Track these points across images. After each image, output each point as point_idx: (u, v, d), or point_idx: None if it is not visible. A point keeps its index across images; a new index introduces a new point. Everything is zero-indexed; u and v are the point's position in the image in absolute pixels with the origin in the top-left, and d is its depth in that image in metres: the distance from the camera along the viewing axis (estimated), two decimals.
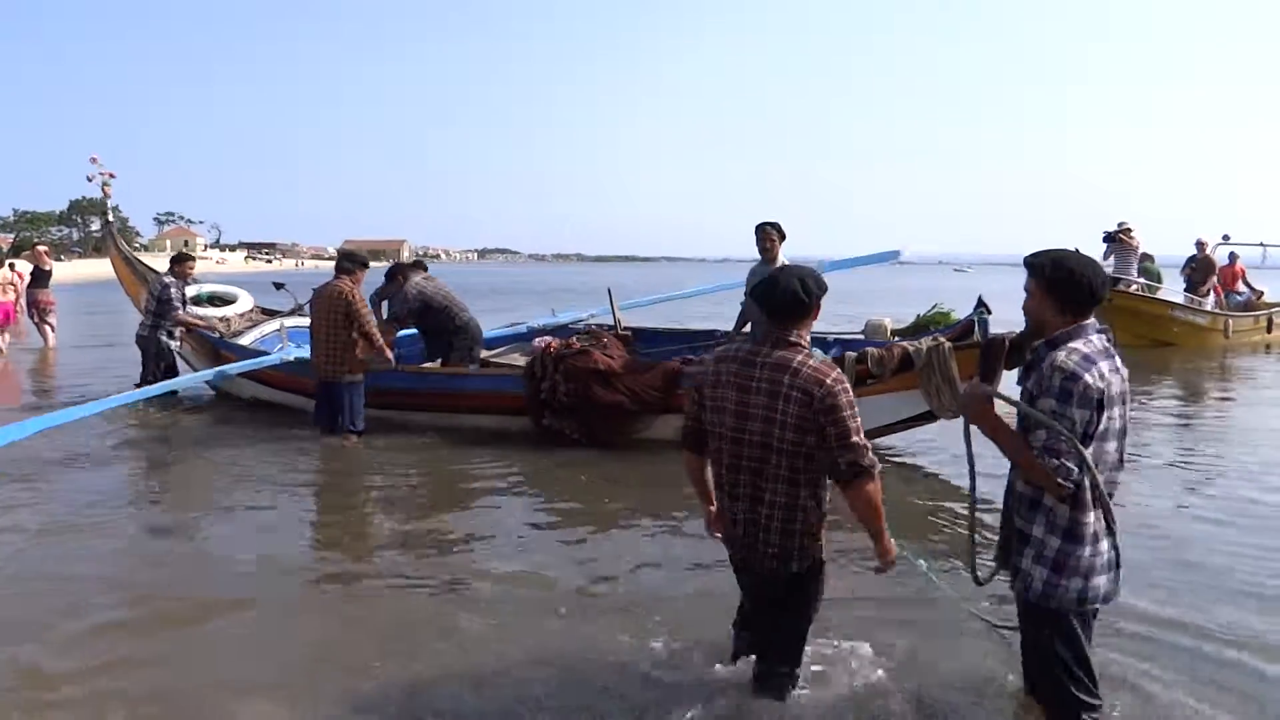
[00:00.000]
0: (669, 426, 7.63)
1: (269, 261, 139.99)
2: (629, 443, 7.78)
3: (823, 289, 3.28)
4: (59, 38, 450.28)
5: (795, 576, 3.31)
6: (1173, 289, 18.13)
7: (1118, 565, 3.13)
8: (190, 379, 9.67)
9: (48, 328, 16.31)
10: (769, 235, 7.60)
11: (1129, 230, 17.54)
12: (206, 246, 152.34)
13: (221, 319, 10.67)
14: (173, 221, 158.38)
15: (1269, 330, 19.20)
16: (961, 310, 7.38)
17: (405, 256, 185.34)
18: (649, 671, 3.85)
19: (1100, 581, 3.07)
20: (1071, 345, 2.98)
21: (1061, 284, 3.00)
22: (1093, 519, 3.03)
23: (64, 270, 32.07)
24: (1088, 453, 2.92)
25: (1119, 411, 2.99)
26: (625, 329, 9.39)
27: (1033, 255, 3.09)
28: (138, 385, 9.69)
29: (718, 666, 3.73)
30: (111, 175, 11.12)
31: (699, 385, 3.44)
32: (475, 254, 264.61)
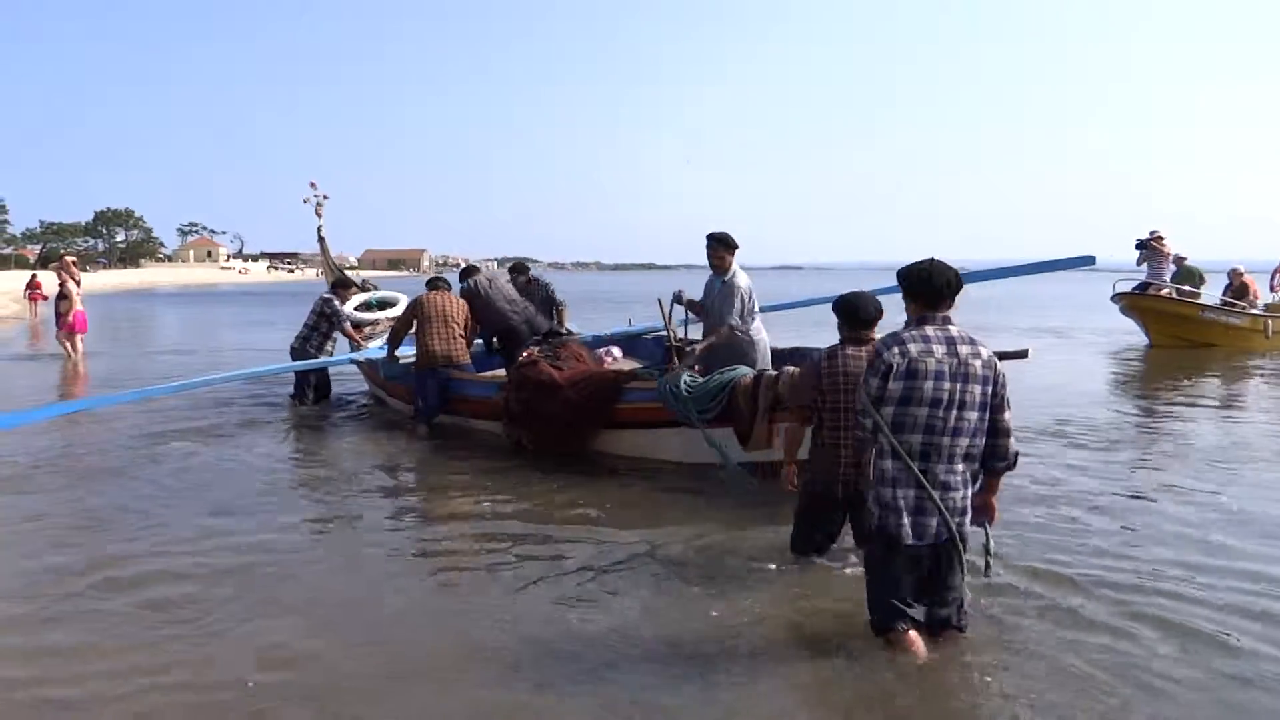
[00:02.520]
0: (616, 441, 7.46)
1: (290, 271, 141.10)
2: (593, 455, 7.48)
3: (882, 311, 4.82)
4: (81, 51, 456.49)
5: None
6: (1210, 293, 18.31)
7: (927, 513, 3.67)
8: (243, 373, 10.44)
9: (76, 338, 16.35)
10: (716, 250, 7.28)
11: (1160, 238, 18.15)
12: (229, 256, 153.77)
13: (373, 323, 11.49)
14: (196, 232, 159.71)
15: None
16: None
17: (425, 265, 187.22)
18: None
19: (898, 521, 3.68)
20: (896, 331, 3.74)
21: (911, 285, 3.77)
22: (889, 465, 3.68)
23: (89, 281, 32.42)
24: (882, 412, 3.65)
25: (931, 385, 3.58)
26: (680, 340, 9.18)
27: (902, 268, 3.86)
28: (292, 395, 10.58)
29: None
30: (325, 197, 12.07)
31: (819, 379, 4.71)
32: (495, 262, 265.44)
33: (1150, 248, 18.07)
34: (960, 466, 3.70)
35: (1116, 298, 18.43)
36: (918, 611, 3.85)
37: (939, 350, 3.63)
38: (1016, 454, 3.79)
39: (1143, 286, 18.27)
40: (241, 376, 10.30)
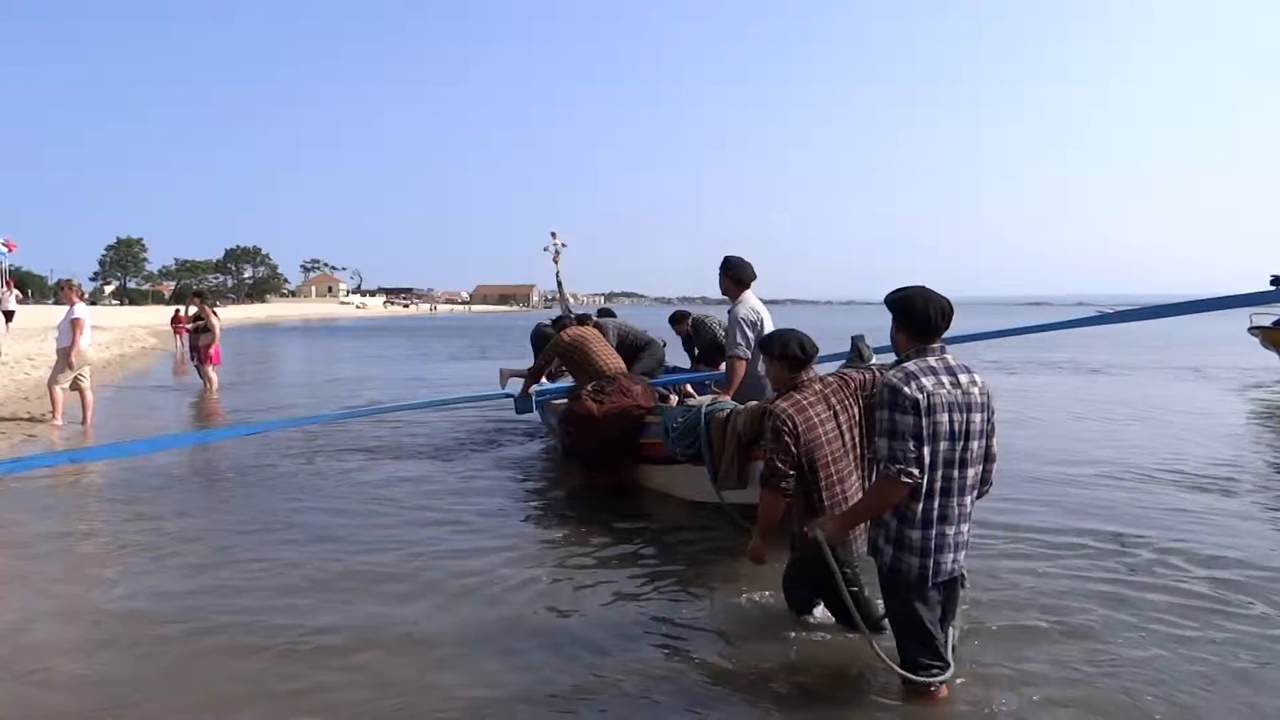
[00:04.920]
0: (646, 475, 7.44)
1: (405, 306, 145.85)
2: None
3: (776, 348, 4.37)
4: (213, 96, 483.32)
5: None
6: None
7: (945, 550, 3.54)
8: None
9: (211, 370, 17.12)
10: (719, 277, 6.94)
11: None
12: (348, 292, 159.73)
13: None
14: (317, 268, 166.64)
15: None
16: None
17: (535, 300, 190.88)
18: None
19: (935, 560, 3.53)
20: (902, 365, 3.55)
21: (906, 317, 3.59)
22: (921, 507, 3.49)
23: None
24: (924, 451, 3.43)
25: (948, 417, 3.44)
26: None
27: (890, 294, 3.68)
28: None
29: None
30: (564, 245, 12.98)
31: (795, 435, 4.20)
32: (602, 297, 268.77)
33: None
34: (968, 500, 3.60)
35: (1255, 330, 17.87)
36: (950, 654, 3.70)
37: (946, 381, 3.51)
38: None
39: None
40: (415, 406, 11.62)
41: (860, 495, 4.12)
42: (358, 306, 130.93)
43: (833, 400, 4.20)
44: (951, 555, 3.57)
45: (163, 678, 4.02)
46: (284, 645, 4.38)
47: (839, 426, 4.18)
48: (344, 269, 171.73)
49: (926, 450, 3.44)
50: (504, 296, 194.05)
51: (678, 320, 10.98)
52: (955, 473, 3.52)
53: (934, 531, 3.52)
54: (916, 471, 3.42)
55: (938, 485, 3.50)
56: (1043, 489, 7.75)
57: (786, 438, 4.04)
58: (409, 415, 11.81)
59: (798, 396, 4.15)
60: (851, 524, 3.81)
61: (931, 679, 3.63)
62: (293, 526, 6.57)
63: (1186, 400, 15.28)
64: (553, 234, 12.84)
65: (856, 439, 4.23)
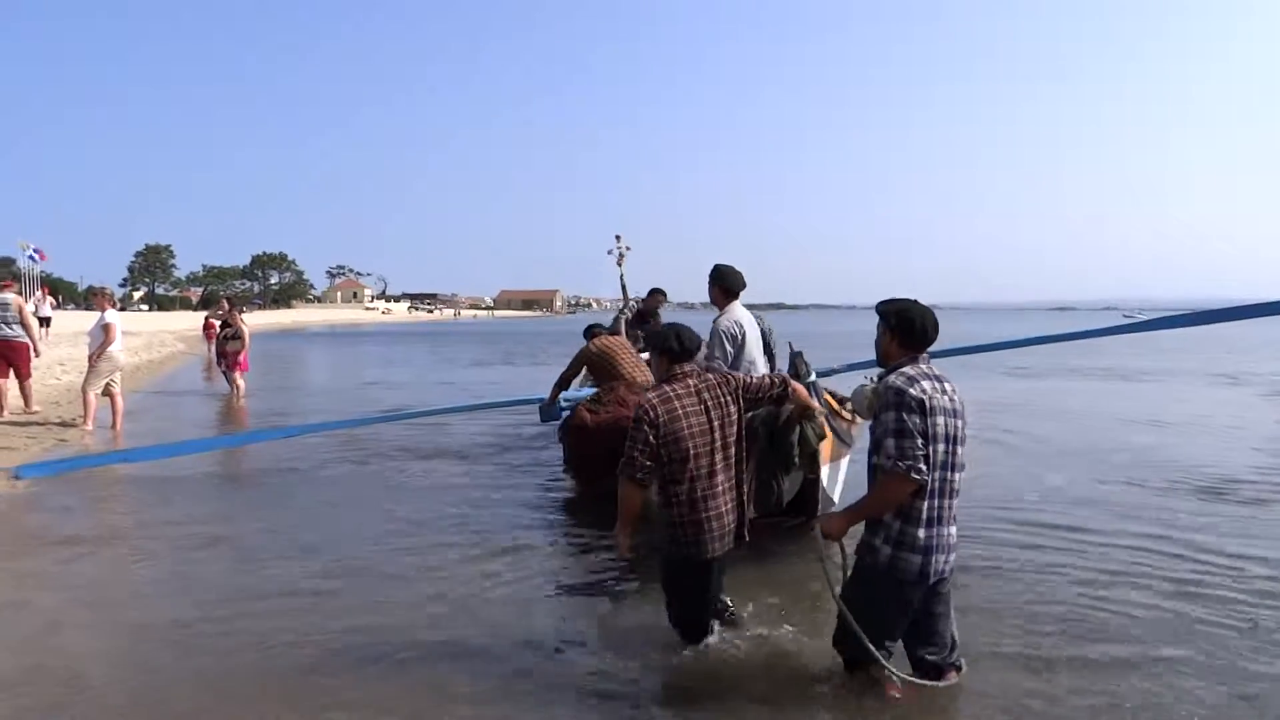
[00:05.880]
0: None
1: (430, 311, 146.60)
2: None
3: (656, 341, 4.41)
4: (240, 103, 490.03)
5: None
6: None
7: (938, 551, 3.63)
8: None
9: (238, 377, 17.26)
10: (709, 286, 6.70)
11: None
12: (374, 297, 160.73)
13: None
14: (343, 274, 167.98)
15: None
16: None
17: (558, 306, 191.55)
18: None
19: (934, 559, 3.63)
20: (900, 370, 3.70)
21: (903, 328, 3.74)
22: (925, 506, 3.59)
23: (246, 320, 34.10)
24: (930, 450, 3.55)
25: (943, 420, 3.59)
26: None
27: (882, 304, 3.86)
28: None
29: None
30: (628, 248, 13.43)
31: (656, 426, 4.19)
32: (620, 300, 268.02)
33: None
34: (955, 502, 3.73)
35: None
36: (896, 651, 3.83)
37: (938, 387, 3.67)
38: None
39: None
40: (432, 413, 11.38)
41: (725, 493, 4.17)
42: (383, 312, 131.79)
43: (705, 396, 4.17)
44: (944, 556, 3.68)
45: (187, 680, 4.05)
46: (304, 647, 4.42)
47: (709, 422, 4.14)
48: (369, 275, 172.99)
49: (930, 449, 3.57)
50: (527, 302, 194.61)
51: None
52: (949, 474, 3.66)
53: (934, 531, 3.64)
54: (924, 468, 3.54)
55: (936, 486, 3.62)
56: (1076, 494, 7.68)
57: (646, 428, 4.08)
58: (438, 420, 11.87)
59: (667, 389, 4.19)
60: (854, 522, 3.79)
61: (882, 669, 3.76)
62: (314, 530, 6.62)
63: (1221, 406, 15.08)
64: (617, 237, 13.05)
65: (728, 437, 4.20)
